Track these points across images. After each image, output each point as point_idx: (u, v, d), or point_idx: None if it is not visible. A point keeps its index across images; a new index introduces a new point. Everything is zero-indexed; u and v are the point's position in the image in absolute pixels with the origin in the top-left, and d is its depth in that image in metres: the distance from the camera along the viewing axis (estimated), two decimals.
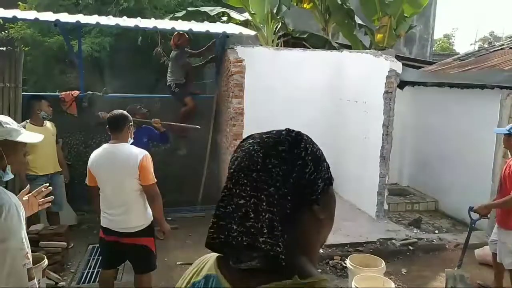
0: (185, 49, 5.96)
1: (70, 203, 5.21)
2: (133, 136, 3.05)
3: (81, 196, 5.51)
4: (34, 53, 8.18)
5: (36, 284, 1.58)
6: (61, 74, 9.34)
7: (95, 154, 2.96)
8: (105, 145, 2.98)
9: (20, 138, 1.65)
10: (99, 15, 5.81)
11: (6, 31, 7.91)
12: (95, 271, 4.08)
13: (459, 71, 5.22)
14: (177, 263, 4.25)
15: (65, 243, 4.06)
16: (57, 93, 5.60)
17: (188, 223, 5.32)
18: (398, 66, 4.92)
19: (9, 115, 4.86)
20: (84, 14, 6.03)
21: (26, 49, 7.76)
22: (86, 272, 4.05)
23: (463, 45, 43.89)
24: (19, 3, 8.11)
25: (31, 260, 1.56)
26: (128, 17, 5.74)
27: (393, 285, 3.13)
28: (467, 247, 3.78)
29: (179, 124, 5.25)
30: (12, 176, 1.72)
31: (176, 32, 5.71)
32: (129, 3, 7.88)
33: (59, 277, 3.75)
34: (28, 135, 1.72)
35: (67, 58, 8.62)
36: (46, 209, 4.40)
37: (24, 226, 1.58)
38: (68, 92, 5.38)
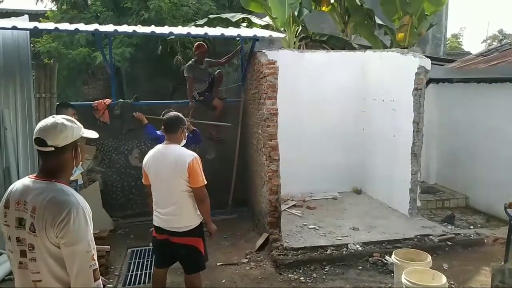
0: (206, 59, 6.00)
1: (104, 209, 5.30)
2: (186, 137, 3.10)
3: (115, 202, 5.65)
4: (58, 65, 8.37)
5: (101, 284, 1.61)
6: (82, 85, 9.56)
7: (149, 154, 3.05)
8: (159, 146, 3.05)
9: (85, 134, 1.74)
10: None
11: (32, 45, 8.12)
12: (138, 274, 4.15)
13: (488, 65, 5.21)
14: (218, 263, 4.30)
15: (108, 247, 4.13)
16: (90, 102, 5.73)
17: (221, 225, 5.30)
18: (427, 63, 4.94)
19: None
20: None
21: (51, 61, 7.95)
22: (129, 275, 4.12)
23: (471, 44, 43.49)
24: (40, 19, 8.34)
25: (96, 261, 1.60)
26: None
27: (444, 277, 3.11)
28: (510, 242, 3.73)
29: (211, 123, 5.35)
30: (82, 170, 1.81)
31: (198, 42, 5.87)
32: (150, 13, 8.04)
33: (105, 280, 3.81)
34: (89, 131, 1.79)
35: (90, 69, 8.84)
36: None
37: (91, 228, 1.60)
38: (100, 100, 5.50)
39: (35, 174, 1.67)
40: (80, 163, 1.74)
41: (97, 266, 1.60)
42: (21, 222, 1.58)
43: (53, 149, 1.59)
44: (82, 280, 1.54)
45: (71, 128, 1.64)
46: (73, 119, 1.69)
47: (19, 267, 1.62)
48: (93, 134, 1.80)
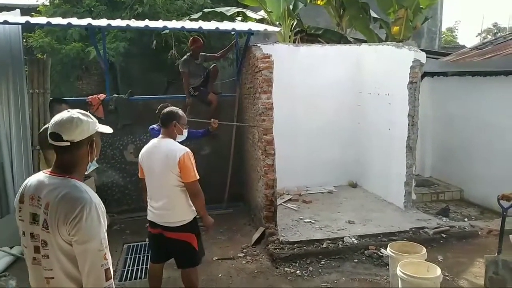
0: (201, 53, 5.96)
1: None
2: (183, 133, 3.08)
3: (110, 198, 5.63)
4: (51, 60, 8.29)
5: (113, 284, 1.58)
6: (76, 81, 9.48)
7: (144, 148, 3.06)
8: (154, 140, 3.05)
9: (101, 129, 1.71)
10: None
11: (25, 40, 8.02)
12: (134, 269, 4.14)
13: (483, 59, 5.22)
14: (214, 258, 4.31)
15: None
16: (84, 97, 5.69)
17: (217, 220, 5.27)
18: (422, 56, 4.95)
19: (38, 119, 5.01)
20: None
21: (44, 57, 7.87)
22: (126, 270, 4.11)
23: (466, 38, 43.54)
24: (33, 13, 8.23)
25: (109, 260, 1.57)
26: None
27: (439, 269, 3.14)
28: (503, 233, 3.77)
29: (236, 124, 5.45)
30: (97, 166, 1.77)
31: (194, 37, 5.83)
32: (144, 7, 7.96)
33: None
34: (104, 126, 1.75)
35: (83, 64, 8.76)
36: None
37: (105, 226, 1.58)
38: (94, 95, 5.46)
39: (50, 170, 1.65)
40: (95, 158, 1.72)
41: (110, 266, 1.56)
42: (35, 217, 1.57)
43: (69, 144, 1.56)
44: (94, 279, 1.51)
45: (86, 122, 1.61)
46: (88, 113, 1.66)
47: (33, 262, 1.61)
48: (107, 129, 1.75)
